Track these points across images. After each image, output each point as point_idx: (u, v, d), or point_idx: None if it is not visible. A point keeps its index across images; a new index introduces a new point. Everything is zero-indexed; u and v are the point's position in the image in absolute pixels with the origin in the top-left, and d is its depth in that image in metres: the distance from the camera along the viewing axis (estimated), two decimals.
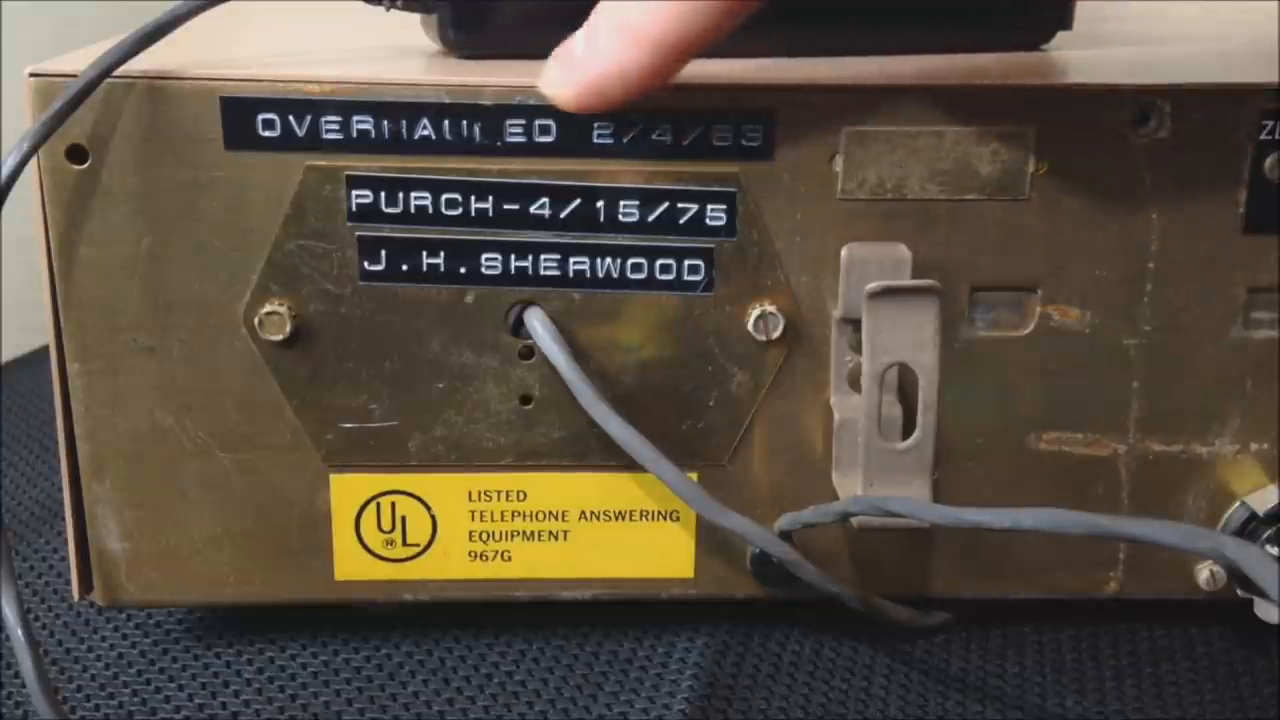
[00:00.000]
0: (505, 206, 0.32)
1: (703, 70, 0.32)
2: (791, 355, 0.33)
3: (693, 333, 0.33)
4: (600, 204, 0.32)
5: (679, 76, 0.31)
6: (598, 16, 0.29)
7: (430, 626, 0.37)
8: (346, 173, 0.31)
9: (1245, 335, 0.34)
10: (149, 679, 0.35)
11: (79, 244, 0.32)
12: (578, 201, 0.32)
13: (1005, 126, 0.32)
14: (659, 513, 0.35)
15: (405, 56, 0.34)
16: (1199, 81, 0.32)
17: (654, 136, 0.31)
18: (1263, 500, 0.34)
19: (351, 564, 0.35)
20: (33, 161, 0.31)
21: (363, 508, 0.34)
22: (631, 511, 0.35)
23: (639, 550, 0.35)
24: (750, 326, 0.33)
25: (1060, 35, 0.36)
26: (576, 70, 0.29)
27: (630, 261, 0.33)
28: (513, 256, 0.32)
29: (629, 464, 0.33)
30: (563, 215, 0.32)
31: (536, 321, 0.32)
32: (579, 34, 0.30)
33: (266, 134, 0.31)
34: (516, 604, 0.36)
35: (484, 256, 0.32)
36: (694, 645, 0.36)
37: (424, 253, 0.32)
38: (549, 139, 0.31)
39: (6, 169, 0.30)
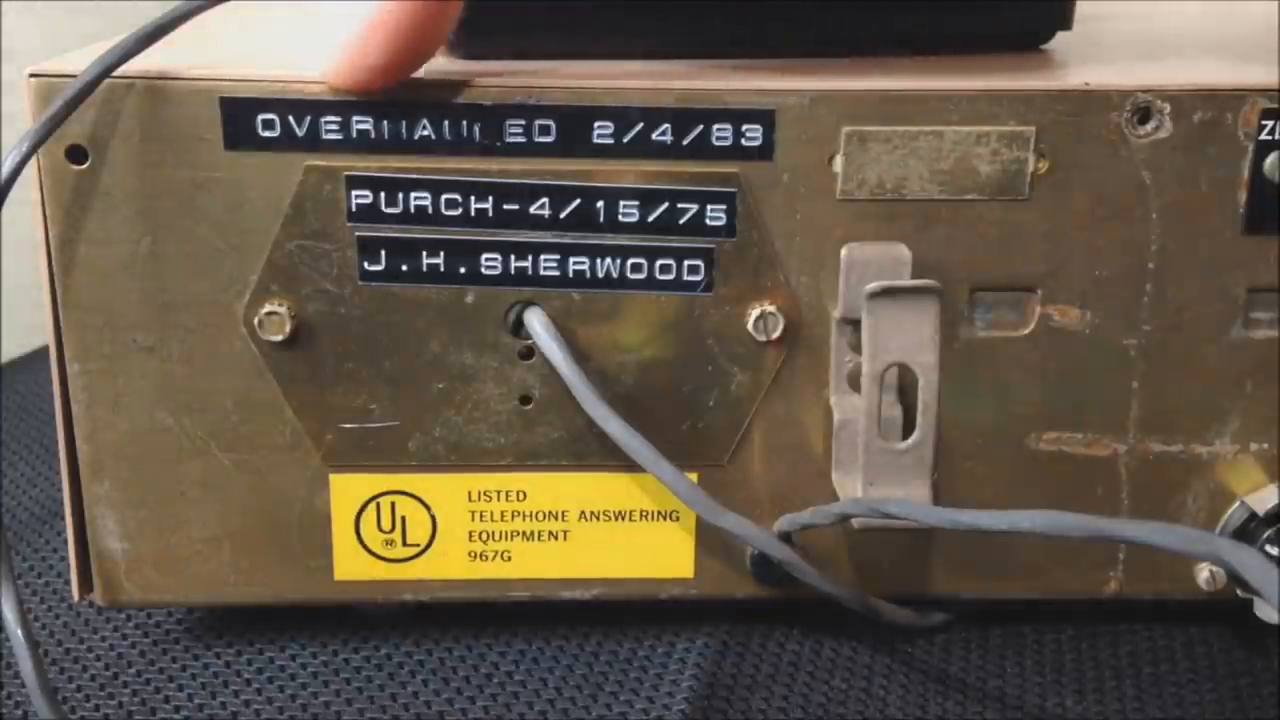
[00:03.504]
0: (505, 206, 0.32)
1: (703, 70, 0.32)
2: (791, 355, 0.33)
3: (693, 333, 0.33)
4: (600, 204, 0.32)
5: (680, 77, 0.31)
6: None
7: (430, 626, 0.37)
8: (346, 173, 0.31)
9: (1245, 335, 0.34)
10: (149, 679, 0.35)
11: (79, 244, 0.32)
12: (577, 201, 0.32)
13: (1005, 126, 0.32)
14: (659, 513, 0.35)
15: None
16: (1199, 81, 0.32)
17: (654, 136, 0.31)
18: (1262, 500, 0.34)
19: (351, 564, 0.35)
20: (33, 161, 0.31)
21: (362, 508, 0.34)
22: (631, 511, 0.35)
23: (639, 550, 0.35)
24: (750, 326, 0.33)
25: (1060, 35, 0.36)
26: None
27: (630, 261, 0.32)
28: (512, 256, 0.32)
29: (629, 464, 0.33)
30: (562, 215, 0.32)
31: (536, 322, 0.32)
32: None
33: (266, 134, 0.31)
34: (516, 604, 0.36)
35: (484, 256, 0.32)
36: (694, 645, 0.36)
37: (424, 253, 0.32)
38: (549, 139, 0.31)
39: (6, 169, 0.30)
